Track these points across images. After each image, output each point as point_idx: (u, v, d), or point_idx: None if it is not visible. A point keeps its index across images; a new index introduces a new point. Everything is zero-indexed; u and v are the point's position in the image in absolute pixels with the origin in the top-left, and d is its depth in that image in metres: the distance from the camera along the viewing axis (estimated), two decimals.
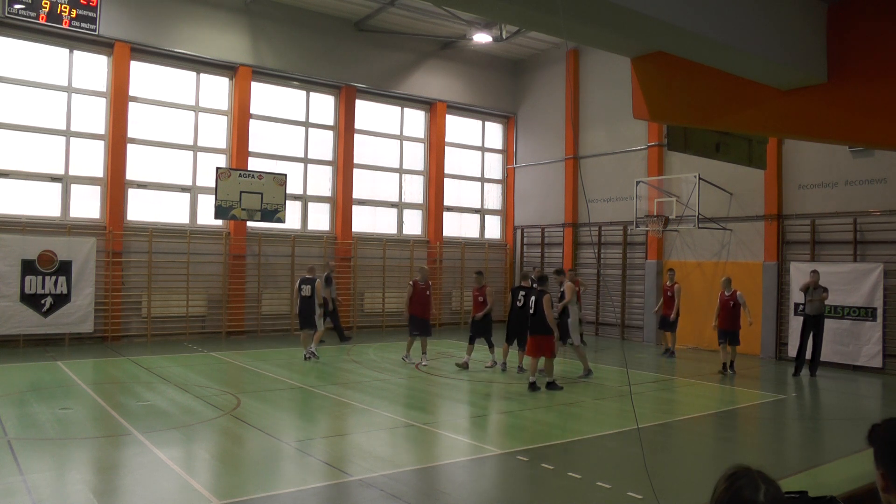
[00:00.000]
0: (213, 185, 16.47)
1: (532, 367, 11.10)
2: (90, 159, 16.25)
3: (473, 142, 22.95)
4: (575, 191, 20.57)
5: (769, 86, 7.00)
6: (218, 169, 16.61)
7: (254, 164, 17.92)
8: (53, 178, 15.80)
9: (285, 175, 17.66)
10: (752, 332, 14.48)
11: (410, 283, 13.77)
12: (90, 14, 15.41)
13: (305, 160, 19.35)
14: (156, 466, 6.70)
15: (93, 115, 16.29)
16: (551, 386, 11.04)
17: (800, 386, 12.52)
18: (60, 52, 15.87)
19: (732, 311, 13.22)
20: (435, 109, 21.45)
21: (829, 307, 14.06)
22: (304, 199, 19.31)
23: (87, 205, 16.24)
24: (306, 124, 19.42)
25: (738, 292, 13.31)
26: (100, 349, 14.81)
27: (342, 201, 19.57)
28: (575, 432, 8.71)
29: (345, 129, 19.65)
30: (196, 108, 17.67)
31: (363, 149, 20.34)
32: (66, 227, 15.60)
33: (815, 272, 13.25)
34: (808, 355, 13.27)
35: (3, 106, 15.22)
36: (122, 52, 16.16)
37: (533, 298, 11.20)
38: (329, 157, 19.80)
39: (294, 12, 18.45)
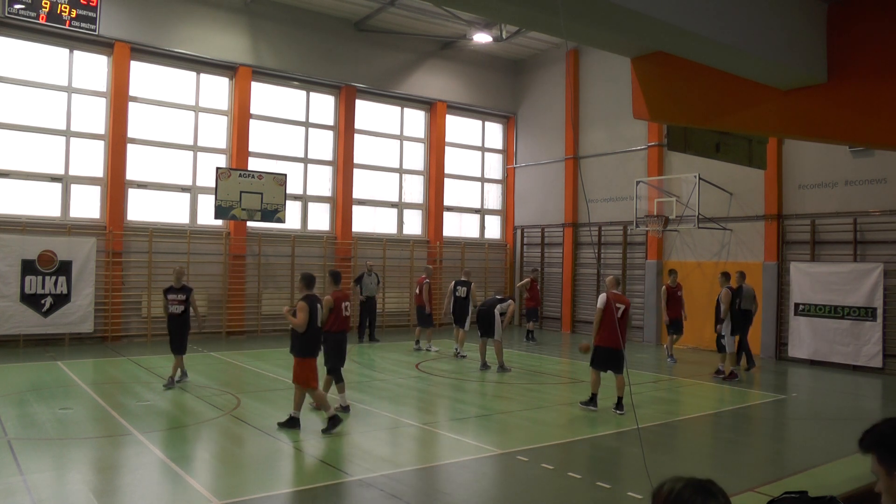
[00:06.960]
0: (213, 185, 16.48)
1: (297, 399, 8.42)
2: (90, 159, 16.26)
3: (473, 142, 22.95)
4: (575, 191, 20.57)
5: (769, 86, 7.00)
6: (218, 169, 16.61)
7: (254, 164, 17.92)
8: (53, 178, 15.80)
9: (285, 175, 17.66)
10: (753, 332, 14.44)
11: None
12: (90, 14, 15.41)
13: (305, 160, 19.35)
14: (156, 466, 6.71)
15: (93, 115, 16.29)
16: (334, 421, 8.20)
17: (800, 386, 12.52)
18: (60, 52, 15.87)
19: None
20: (435, 109, 21.44)
21: (830, 307, 14.20)
22: (304, 199, 19.31)
23: (87, 205, 16.24)
24: (306, 124, 19.42)
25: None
26: (100, 349, 14.81)
27: (342, 201, 19.57)
28: (575, 432, 8.71)
29: (345, 129, 19.64)
30: (196, 108, 17.66)
31: (363, 149, 20.35)
32: (66, 227, 15.60)
33: (736, 274, 13.02)
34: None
35: (3, 106, 15.23)
36: (122, 52, 16.16)
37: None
38: (329, 157, 19.80)
39: (294, 12, 18.45)
